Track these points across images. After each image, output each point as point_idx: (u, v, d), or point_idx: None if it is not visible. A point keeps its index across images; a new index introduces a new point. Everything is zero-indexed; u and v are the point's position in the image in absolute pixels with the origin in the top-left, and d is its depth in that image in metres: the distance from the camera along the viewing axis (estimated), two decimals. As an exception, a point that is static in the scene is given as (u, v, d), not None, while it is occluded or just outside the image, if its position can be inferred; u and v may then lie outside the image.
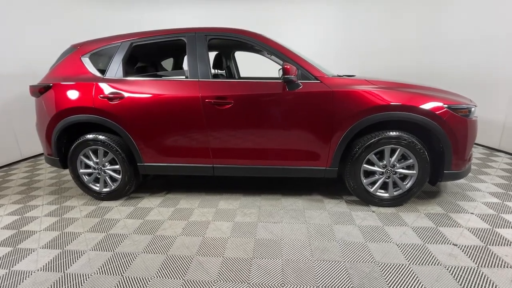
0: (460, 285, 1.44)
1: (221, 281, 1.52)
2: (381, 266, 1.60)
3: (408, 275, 1.52)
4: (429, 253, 1.70)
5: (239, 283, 1.51)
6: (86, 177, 2.55)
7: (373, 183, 2.26)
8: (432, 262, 1.62)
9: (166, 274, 1.59)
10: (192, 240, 1.91)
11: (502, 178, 2.81)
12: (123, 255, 1.77)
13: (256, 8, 5.40)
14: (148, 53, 2.94)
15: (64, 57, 2.50)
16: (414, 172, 2.16)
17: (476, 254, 1.67)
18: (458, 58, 4.07)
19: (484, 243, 1.78)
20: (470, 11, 3.86)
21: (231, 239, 1.90)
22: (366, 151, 2.14)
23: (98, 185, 2.56)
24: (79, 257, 1.77)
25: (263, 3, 5.37)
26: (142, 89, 2.29)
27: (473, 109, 2.09)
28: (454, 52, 4.13)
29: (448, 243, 1.80)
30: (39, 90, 2.45)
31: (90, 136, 2.38)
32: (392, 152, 2.15)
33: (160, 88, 2.27)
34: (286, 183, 2.80)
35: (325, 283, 1.48)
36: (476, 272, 1.53)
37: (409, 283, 1.46)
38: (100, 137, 2.37)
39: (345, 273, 1.56)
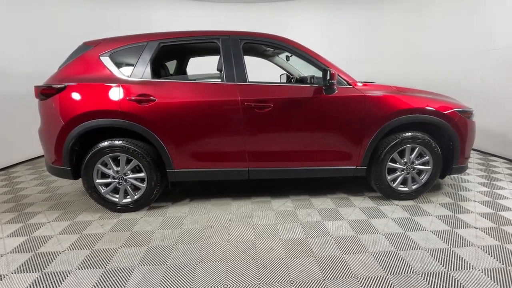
0: (497, 260, 1.69)
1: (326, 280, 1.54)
2: (429, 252, 1.79)
3: (453, 257, 1.73)
4: (460, 236, 1.96)
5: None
6: (103, 187, 2.31)
7: (394, 180, 2.49)
8: (466, 244, 1.87)
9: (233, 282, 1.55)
10: (248, 244, 1.88)
11: (481, 171, 3.33)
12: (179, 267, 1.67)
13: (250, 9, 5.51)
14: (175, 54, 2.81)
15: (77, 56, 2.25)
16: (429, 167, 2.45)
17: (495, 234, 1.98)
18: (436, 69, 4.61)
19: (496, 225, 2.11)
20: (445, 27, 4.48)
21: (309, 239, 1.93)
22: (391, 151, 2.36)
23: (117, 196, 2.34)
24: (130, 274, 1.62)
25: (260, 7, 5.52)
26: (176, 91, 2.19)
27: (473, 112, 2.46)
28: (431, 64, 4.68)
29: (470, 227, 2.08)
30: (49, 92, 2.16)
31: (116, 142, 2.17)
32: (411, 150, 2.41)
33: (196, 91, 2.20)
34: (297, 184, 2.91)
35: (389, 269, 1.61)
36: (502, 247, 1.81)
37: (457, 264, 1.67)
38: (118, 142, 2.17)
39: (400, 259, 1.71)
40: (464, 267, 1.63)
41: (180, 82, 2.25)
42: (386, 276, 1.57)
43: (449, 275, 1.57)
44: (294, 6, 5.88)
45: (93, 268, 1.67)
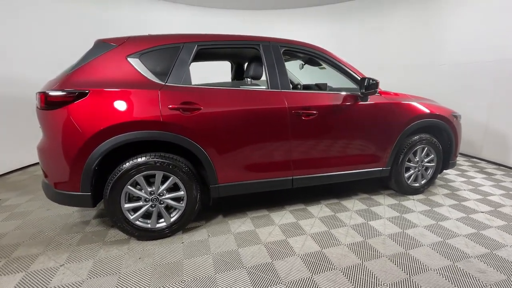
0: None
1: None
2: (466, 237, 2.07)
3: (490, 236, 2.05)
4: (478, 221, 2.32)
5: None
6: (131, 213, 1.94)
7: (409, 177, 2.78)
8: (485, 227, 2.23)
9: (341, 293, 1.50)
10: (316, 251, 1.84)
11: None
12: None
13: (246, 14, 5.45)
14: (208, 59, 2.54)
15: (95, 56, 1.84)
16: (434, 164, 2.83)
17: (495, 214, 2.42)
18: (399, 79, 5.30)
19: (494, 208, 2.57)
20: (406, 43, 5.23)
21: (367, 240, 1.96)
22: (409, 151, 2.65)
23: (148, 221, 1.98)
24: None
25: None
26: (222, 99, 2.00)
27: (460, 115, 2.96)
28: (395, 75, 5.36)
29: (483, 212, 2.49)
30: (63, 99, 1.71)
31: (149, 157, 1.85)
32: (421, 150, 2.75)
33: (243, 99, 2.06)
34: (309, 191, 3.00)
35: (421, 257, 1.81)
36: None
37: (493, 243, 1.98)
38: (157, 158, 1.88)
39: (449, 246, 1.93)
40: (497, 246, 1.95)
41: (226, 89, 2.07)
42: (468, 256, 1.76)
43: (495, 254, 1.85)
44: (284, 15, 6.11)
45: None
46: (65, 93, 1.71)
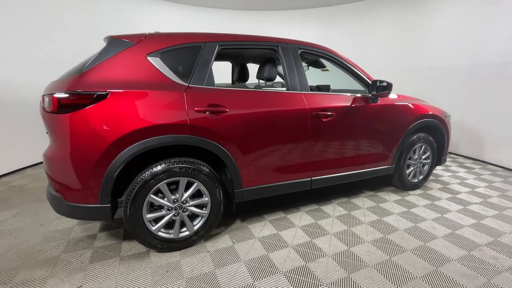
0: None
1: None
2: (471, 227, 2.25)
3: (490, 225, 2.25)
4: (475, 211, 2.54)
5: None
6: (152, 223, 1.80)
7: (409, 174, 2.96)
8: (482, 217, 2.45)
9: (383, 289, 1.54)
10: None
11: (432, 160, 4.32)
12: None
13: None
14: (227, 59, 2.42)
15: (111, 54, 1.68)
16: (429, 161, 3.04)
17: (489, 205, 2.67)
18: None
19: (484, 199, 2.84)
20: (387, 48, 5.56)
21: (388, 236, 2.02)
22: (410, 149, 2.81)
23: (170, 231, 1.86)
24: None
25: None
26: (247, 101, 1.94)
27: (450, 115, 3.22)
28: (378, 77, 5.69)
29: (476, 203, 2.72)
30: (80, 101, 1.53)
31: (173, 163, 1.74)
32: (419, 148, 2.93)
33: (267, 100, 2.02)
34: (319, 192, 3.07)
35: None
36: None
37: (494, 231, 2.18)
38: (182, 163, 1.78)
39: (462, 237, 2.09)
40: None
41: (250, 90, 2.01)
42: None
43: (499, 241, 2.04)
44: (268, 16, 6.09)
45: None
46: (82, 94, 1.53)
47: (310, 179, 2.29)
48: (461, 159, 4.36)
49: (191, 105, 1.74)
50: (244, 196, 2.05)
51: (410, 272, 1.70)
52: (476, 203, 2.72)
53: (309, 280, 1.63)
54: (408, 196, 2.90)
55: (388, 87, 2.34)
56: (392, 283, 1.61)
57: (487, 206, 2.66)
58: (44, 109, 1.63)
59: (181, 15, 5.70)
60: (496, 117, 3.95)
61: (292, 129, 2.10)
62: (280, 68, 2.37)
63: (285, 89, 2.15)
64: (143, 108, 1.63)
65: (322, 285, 1.59)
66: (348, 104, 2.34)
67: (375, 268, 1.74)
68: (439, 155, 3.12)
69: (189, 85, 1.80)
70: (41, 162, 4.06)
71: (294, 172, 2.20)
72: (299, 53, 2.25)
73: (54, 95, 1.52)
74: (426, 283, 1.61)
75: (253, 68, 3.01)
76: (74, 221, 2.30)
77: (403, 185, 2.95)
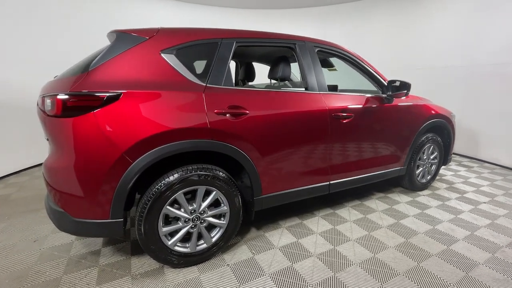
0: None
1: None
2: (487, 227, 2.25)
3: (505, 225, 2.26)
4: (486, 211, 2.55)
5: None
6: (168, 237, 1.64)
7: (418, 174, 2.94)
8: (495, 217, 2.46)
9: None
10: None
11: (431, 159, 4.37)
12: None
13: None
14: (240, 57, 2.36)
15: (121, 51, 1.49)
16: (437, 161, 3.04)
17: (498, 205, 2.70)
18: None
19: (491, 198, 2.87)
20: (386, 49, 5.59)
21: (409, 240, 1.95)
22: (420, 150, 2.79)
23: (187, 244, 1.70)
24: None
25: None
26: (267, 102, 1.82)
27: (455, 115, 3.24)
28: None
29: (485, 202, 2.74)
30: (89, 104, 1.34)
31: (190, 170, 1.58)
32: (428, 148, 2.93)
33: (287, 101, 1.90)
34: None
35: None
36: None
37: (510, 231, 2.19)
38: (201, 171, 1.63)
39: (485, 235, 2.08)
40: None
41: (269, 91, 1.88)
42: (497, 255, 1.88)
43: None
44: (262, 14, 5.97)
45: None
46: (90, 96, 1.35)
47: (328, 183, 2.20)
48: (458, 158, 4.45)
49: (210, 107, 1.59)
50: (263, 204, 1.92)
51: (443, 279, 1.64)
52: (485, 203, 2.74)
53: (343, 293, 1.53)
54: (418, 197, 2.88)
55: (407, 87, 2.29)
56: (427, 292, 1.54)
57: (496, 205, 2.69)
58: (44, 112, 1.43)
59: (168, 11, 5.46)
60: (492, 116, 4.05)
61: (312, 131, 1.99)
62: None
63: (303, 89, 2.05)
64: (160, 111, 1.46)
65: (357, 298, 1.50)
66: (365, 105, 2.27)
67: (406, 276, 1.67)
68: (445, 155, 3.13)
69: (207, 85, 1.65)
70: (26, 169, 3.73)
71: (313, 176, 2.10)
72: (316, 51, 2.15)
73: (58, 97, 1.32)
74: (461, 290, 1.56)
75: (257, 67, 2.89)
76: (73, 236, 2.08)
77: (413, 186, 2.93)
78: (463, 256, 1.87)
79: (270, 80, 2.40)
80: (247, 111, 1.71)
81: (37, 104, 1.58)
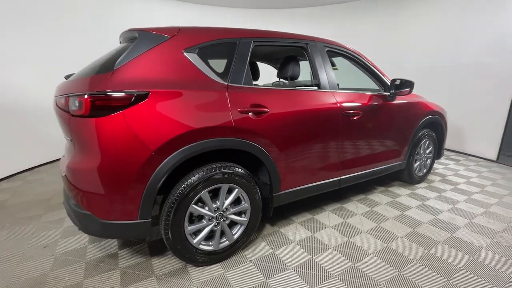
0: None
1: (467, 265, 1.74)
2: (483, 215, 2.42)
3: (497, 213, 2.44)
4: (479, 200, 2.74)
5: (474, 260, 1.80)
6: (193, 236, 1.64)
7: (415, 168, 3.10)
8: (488, 205, 2.65)
9: None
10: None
11: (421, 154, 4.61)
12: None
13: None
14: (254, 57, 2.41)
15: (144, 50, 1.48)
16: (431, 155, 3.23)
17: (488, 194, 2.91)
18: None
19: (481, 188, 3.08)
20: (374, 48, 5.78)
21: (418, 229, 2.07)
22: (417, 145, 2.95)
23: (210, 242, 1.71)
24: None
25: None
26: (285, 100, 1.86)
27: (447, 111, 3.44)
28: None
29: (477, 192, 2.94)
30: (117, 103, 1.32)
31: (235, 168, 1.63)
32: (424, 143, 3.09)
33: (303, 99, 1.95)
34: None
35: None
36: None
37: (504, 218, 2.37)
38: (226, 169, 1.65)
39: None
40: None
41: (286, 89, 1.92)
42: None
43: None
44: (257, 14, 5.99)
45: None
46: (120, 95, 1.33)
47: (339, 178, 2.28)
48: (446, 152, 4.71)
49: (234, 106, 1.62)
50: (281, 200, 1.97)
51: (453, 264, 1.76)
52: (477, 193, 2.94)
53: (365, 282, 1.60)
54: (416, 189, 3.04)
55: (410, 85, 2.41)
56: (441, 276, 1.65)
57: (487, 195, 2.89)
58: (67, 112, 1.39)
59: (170, 11, 5.38)
60: (475, 113, 4.33)
61: (326, 127, 2.07)
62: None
63: (316, 87, 2.11)
64: (187, 110, 1.47)
65: (379, 285, 1.58)
66: (372, 103, 2.37)
67: (419, 263, 1.77)
68: (439, 149, 3.32)
69: (229, 83, 1.67)
70: (17, 174, 3.54)
71: (326, 171, 2.17)
72: (325, 51, 2.22)
73: (86, 96, 1.30)
74: (470, 273, 1.68)
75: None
76: (85, 240, 2.02)
77: (411, 179, 3.09)
78: (467, 242, 2.02)
79: (279, 79, 2.44)
80: (268, 109, 1.75)
81: (56, 105, 1.53)
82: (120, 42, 1.98)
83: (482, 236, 2.09)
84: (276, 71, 3.34)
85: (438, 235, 2.11)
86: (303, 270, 1.70)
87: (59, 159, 4.20)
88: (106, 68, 1.43)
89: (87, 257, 1.83)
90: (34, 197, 2.84)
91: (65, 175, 1.49)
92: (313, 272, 1.68)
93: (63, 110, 1.43)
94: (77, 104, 1.32)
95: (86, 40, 4.24)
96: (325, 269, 1.71)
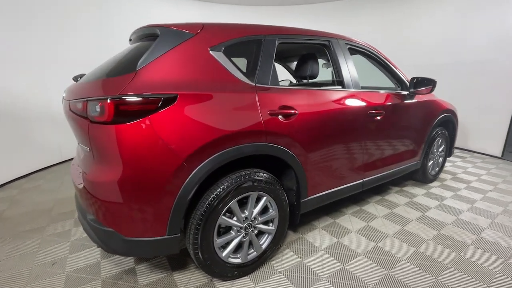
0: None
1: (503, 269, 1.69)
2: (502, 214, 2.40)
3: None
4: (495, 198, 2.73)
5: None
6: (221, 249, 1.53)
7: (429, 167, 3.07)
8: (506, 204, 2.64)
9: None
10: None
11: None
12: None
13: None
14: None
15: (169, 48, 1.34)
16: (443, 153, 3.20)
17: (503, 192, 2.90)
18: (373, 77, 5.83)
19: (494, 186, 3.07)
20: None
21: (441, 231, 2.01)
22: (432, 144, 2.91)
23: (238, 255, 1.60)
24: None
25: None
26: (314, 101, 1.76)
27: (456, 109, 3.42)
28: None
29: (491, 190, 2.93)
30: (146, 107, 1.18)
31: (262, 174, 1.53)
32: (437, 142, 3.06)
33: (330, 100, 1.85)
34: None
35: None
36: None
37: (528, 216, 2.36)
38: (259, 176, 1.54)
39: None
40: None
41: (315, 90, 1.82)
42: (524, 240, 2.00)
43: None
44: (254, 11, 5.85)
45: None
46: (147, 98, 1.19)
47: (362, 181, 2.21)
48: (449, 149, 4.73)
49: (263, 108, 1.50)
50: (308, 206, 1.87)
51: (488, 268, 1.71)
52: (491, 191, 2.93)
53: (405, 291, 1.53)
54: (431, 188, 3.01)
55: (432, 83, 2.35)
56: (480, 282, 1.59)
57: (501, 192, 2.89)
58: (85, 118, 1.24)
59: (171, 7, 5.18)
60: (479, 110, 4.35)
61: (352, 129, 1.98)
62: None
63: (340, 86, 2.02)
64: (218, 113, 1.35)
65: (420, 294, 1.51)
66: (393, 102, 2.30)
67: (454, 268, 1.71)
68: (450, 147, 3.30)
69: (256, 84, 1.55)
70: (11, 181, 3.31)
71: (351, 174, 2.09)
72: (347, 48, 2.13)
73: (109, 100, 1.15)
74: (507, 277, 1.63)
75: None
76: (97, 254, 1.87)
77: (425, 179, 3.05)
78: (495, 243, 1.97)
79: (296, 79, 2.35)
80: (296, 111, 1.64)
81: (70, 110, 1.38)
82: (130, 40, 1.83)
83: (508, 237, 2.06)
84: (283, 69, 3.29)
85: (465, 237, 2.06)
86: (337, 281, 1.61)
87: (55, 165, 3.98)
88: (127, 68, 1.29)
89: (102, 275, 1.68)
90: (34, 207, 2.65)
91: (83, 187, 1.34)
92: (348, 283, 1.59)
93: (80, 116, 1.28)
94: (98, 110, 1.18)
95: (78, 41, 4.02)
96: (360, 278, 1.63)
